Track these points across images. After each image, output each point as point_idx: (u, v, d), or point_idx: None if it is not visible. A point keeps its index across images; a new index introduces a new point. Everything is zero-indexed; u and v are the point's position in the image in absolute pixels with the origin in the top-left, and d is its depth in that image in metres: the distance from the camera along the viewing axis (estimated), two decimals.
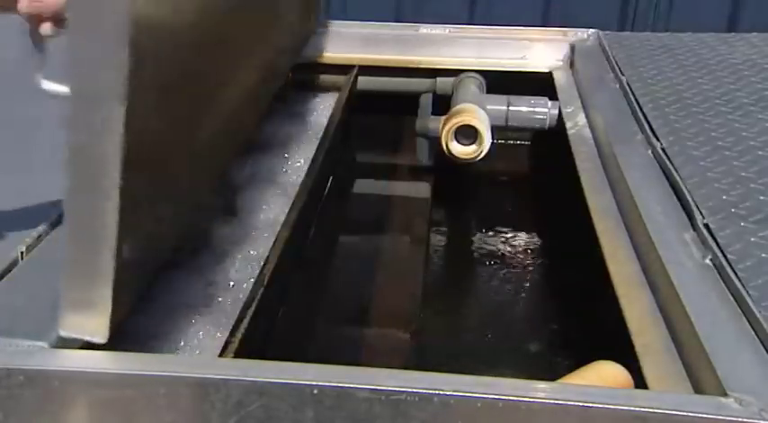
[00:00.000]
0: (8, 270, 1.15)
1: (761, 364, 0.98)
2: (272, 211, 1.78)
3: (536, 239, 2.06)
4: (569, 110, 1.95)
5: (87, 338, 0.99)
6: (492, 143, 1.92)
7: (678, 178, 1.40)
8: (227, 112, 1.47)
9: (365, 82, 2.33)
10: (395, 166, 2.27)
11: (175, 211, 1.24)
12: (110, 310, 0.98)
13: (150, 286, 1.27)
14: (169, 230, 1.22)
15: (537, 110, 2.08)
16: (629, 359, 1.11)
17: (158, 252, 1.22)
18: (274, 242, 1.51)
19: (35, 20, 1.34)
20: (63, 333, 0.99)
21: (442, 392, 0.92)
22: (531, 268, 1.94)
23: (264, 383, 0.94)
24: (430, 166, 2.17)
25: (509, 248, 2.01)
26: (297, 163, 2.00)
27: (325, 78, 2.36)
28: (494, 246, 2.03)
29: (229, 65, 1.42)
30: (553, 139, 2.02)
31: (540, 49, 2.27)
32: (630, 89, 1.81)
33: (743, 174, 1.42)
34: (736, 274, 1.13)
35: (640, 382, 1.06)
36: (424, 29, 2.36)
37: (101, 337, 0.99)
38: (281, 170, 2.00)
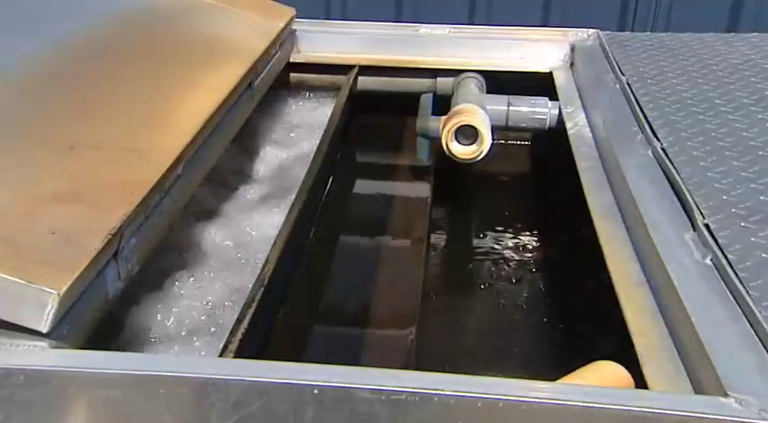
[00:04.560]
0: None
1: (761, 364, 0.98)
2: (271, 210, 1.79)
3: (536, 239, 2.05)
4: (569, 110, 1.95)
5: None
6: (492, 143, 1.92)
7: (678, 178, 1.40)
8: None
9: (365, 82, 2.33)
10: (395, 165, 2.27)
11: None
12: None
13: None
14: None
15: (537, 110, 2.08)
16: (629, 359, 1.11)
17: None
18: (274, 242, 1.51)
19: None
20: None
21: (442, 392, 0.92)
22: (530, 268, 1.94)
23: (264, 383, 0.94)
24: (430, 166, 2.17)
25: (508, 248, 2.01)
26: (297, 163, 2.00)
27: (325, 78, 2.36)
28: (493, 245, 2.03)
29: None
30: (553, 139, 2.02)
31: (540, 49, 2.26)
32: (630, 89, 1.81)
33: (743, 174, 1.42)
34: (736, 274, 1.13)
35: (640, 382, 1.06)
36: (424, 29, 2.35)
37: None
38: (282, 170, 2.00)
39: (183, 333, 1.39)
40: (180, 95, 1.63)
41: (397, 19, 4.11)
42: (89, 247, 1.10)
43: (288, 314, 1.56)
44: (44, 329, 1.00)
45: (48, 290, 1.00)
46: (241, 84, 1.78)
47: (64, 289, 1.01)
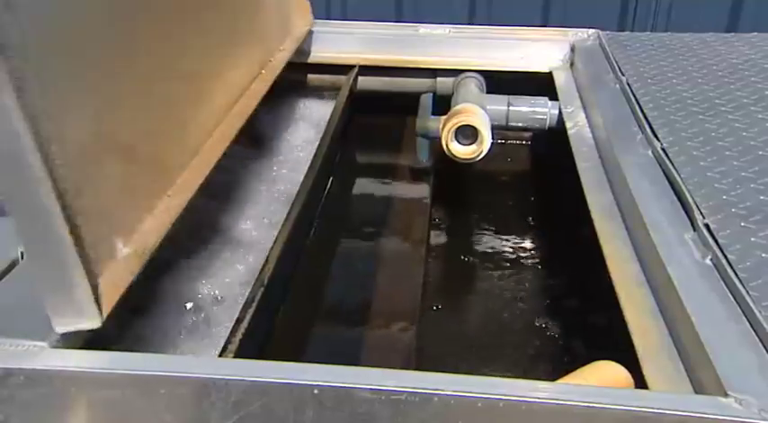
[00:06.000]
0: (8, 270, 1.15)
1: (761, 364, 0.98)
2: (270, 212, 1.79)
3: (536, 239, 2.06)
4: (569, 110, 1.95)
5: (83, 327, 1.00)
6: (492, 143, 1.92)
7: (678, 178, 1.40)
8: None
9: (365, 82, 2.33)
10: (395, 166, 2.27)
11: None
12: (91, 294, 0.99)
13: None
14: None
15: (537, 110, 2.08)
16: (629, 359, 1.11)
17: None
18: (274, 242, 1.51)
19: None
20: (60, 330, 1.00)
21: (442, 392, 0.92)
22: (530, 267, 1.94)
23: (264, 383, 0.94)
24: (430, 166, 2.17)
25: (508, 248, 2.01)
26: (297, 163, 2.00)
27: (325, 78, 2.36)
28: (493, 245, 2.03)
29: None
30: (553, 138, 2.02)
31: (540, 49, 2.26)
32: (630, 89, 1.81)
33: (743, 174, 1.42)
34: (736, 274, 1.13)
35: (640, 382, 1.06)
36: (424, 29, 2.35)
37: (95, 321, 1.00)
38: (281, 170, 2.00)
39: None
40: (214, 90, 1.59)
41: (397, 19, 4.12)
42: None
43: (288, 314, 1.57)
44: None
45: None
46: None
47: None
